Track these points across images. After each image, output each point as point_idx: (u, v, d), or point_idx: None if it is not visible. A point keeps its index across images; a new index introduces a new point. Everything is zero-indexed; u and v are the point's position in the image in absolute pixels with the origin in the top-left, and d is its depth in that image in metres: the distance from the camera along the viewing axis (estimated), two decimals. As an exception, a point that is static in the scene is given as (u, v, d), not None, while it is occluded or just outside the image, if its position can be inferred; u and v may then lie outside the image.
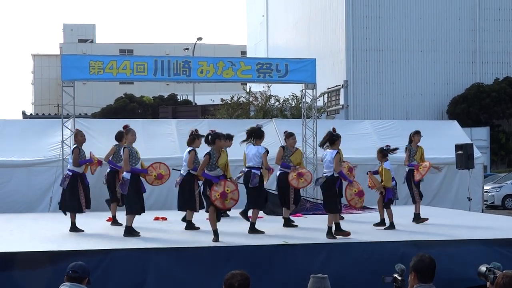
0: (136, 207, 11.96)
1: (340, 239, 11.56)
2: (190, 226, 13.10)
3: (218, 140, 11.42)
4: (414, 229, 13.25)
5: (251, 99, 35.56)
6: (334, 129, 12.24)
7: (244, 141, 13.18)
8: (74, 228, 12.72)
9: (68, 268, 6.26)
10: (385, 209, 13.32)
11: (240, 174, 13.13)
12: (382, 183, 13.27)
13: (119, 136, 13.88)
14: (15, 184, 18.99)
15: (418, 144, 14.88)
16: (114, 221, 13.92)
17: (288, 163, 13.50)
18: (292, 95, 34.53)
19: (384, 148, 13.66)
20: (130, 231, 11.90)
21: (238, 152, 14.43)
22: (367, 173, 13.71)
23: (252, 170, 12.62)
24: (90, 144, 15.83)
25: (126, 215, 12.05)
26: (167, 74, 18.85)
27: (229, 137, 14.47)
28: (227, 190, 11.17)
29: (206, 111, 39.25)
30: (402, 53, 42.80)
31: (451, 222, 14.72)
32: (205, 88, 59.10)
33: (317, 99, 24.14)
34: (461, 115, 39.40)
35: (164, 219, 15.23)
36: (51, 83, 78.37)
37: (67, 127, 18.89)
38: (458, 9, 43.31)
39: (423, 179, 14.80)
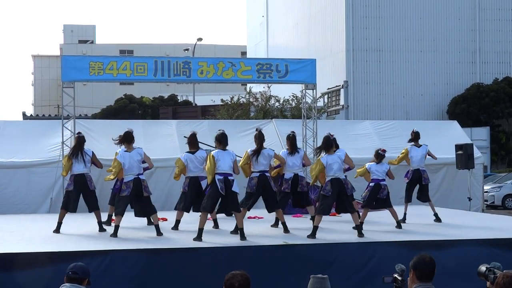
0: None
1: (340, 239, 11.57)
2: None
3: None
4: (414, 230, 13.25)
5: (251, 99, 35.57)
6: (331, 134, 12.51)
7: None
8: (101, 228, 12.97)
9: (68, 269, 6.26)
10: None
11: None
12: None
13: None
14: (15, 185, 18.99)
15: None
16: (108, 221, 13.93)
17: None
18: (292, 96, 34.54)
19: (380, 152, 13.74)
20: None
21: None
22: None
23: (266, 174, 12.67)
24: (91, 145, 15.80)
25: (154, 214, 12.42)
26: (167, 75, 18.84)
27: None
28: None
29: (206, 112, 39.25)
30: (402, 53, 42.82)
31: (451, 222, 14.72)
32: (205, 89, 59.12)
33: (317, 100, 24.15)
34: (461, 115, 39.41)
35: (165, 219, 15.23)
36: (51, 84, 78.40)
37: (67, 128, 18.89)
38: (458, 9, 43.32)
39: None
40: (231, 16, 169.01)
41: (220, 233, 12.68)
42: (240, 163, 12.49)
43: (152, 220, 12.77)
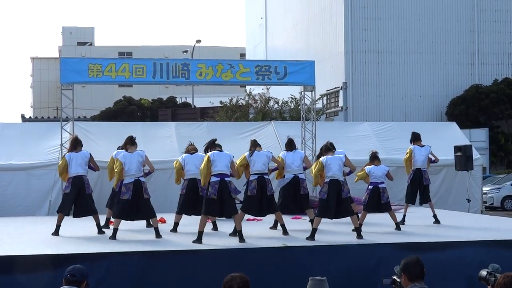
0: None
1: (338, 241, 11.57)
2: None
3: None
4: (413, 231, 13.25)
5: (251, 101, 35.55)
6: (331, 143, 12.80)
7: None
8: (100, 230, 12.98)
9: (66, 272, 6.26)
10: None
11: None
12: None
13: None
14: (14, 188, 18.97)
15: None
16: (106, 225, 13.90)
17: None
18: (291, 97, 34.54)
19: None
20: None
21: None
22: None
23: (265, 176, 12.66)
24: (89, 147, 15.82)
25: (153, 217, 12.44)
26: (166, 77, 18.85)
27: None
28: None
29: (205, 114, 39.23)
30: (400, 55, 42.84)
31: (450, 223, 14.72)
32: (204, 91, 59.10)
33: (316, 101, 24.17)
34: (460, 117, 39.41)
35: (163, 221, 15.22)
36: (50, 86, 78.44)
37: (66, 130, 18.88)
38: (457, 11, 43.34)
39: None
40: (230, 18, 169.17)
41: (219, 235, 12.67)
42: (237, 164, 12.48)
43: (151, 222, 12.75)
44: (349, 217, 12.23)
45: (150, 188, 17.16)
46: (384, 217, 13.84)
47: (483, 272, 5.87)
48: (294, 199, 13.45)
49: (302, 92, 20.62)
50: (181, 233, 12.92)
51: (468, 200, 20.69)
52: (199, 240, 11.30)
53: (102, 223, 13.50)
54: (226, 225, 13.28)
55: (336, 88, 43.33)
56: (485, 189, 28.07)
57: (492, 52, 43.73)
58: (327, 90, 43.35)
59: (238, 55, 70.39)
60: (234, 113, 34.55)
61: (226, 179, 11.72)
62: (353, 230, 12.25)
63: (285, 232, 12.53)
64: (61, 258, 9.85)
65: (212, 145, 12.61)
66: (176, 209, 13.41)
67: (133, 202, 12.19)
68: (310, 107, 20.97)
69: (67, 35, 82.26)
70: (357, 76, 42.39)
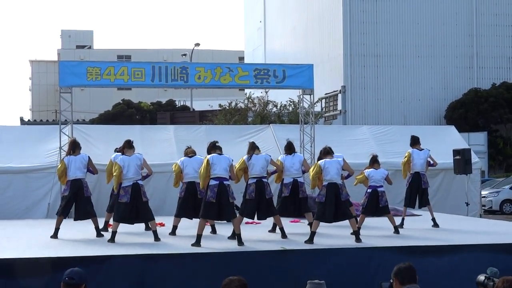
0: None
1: (337, 244, 11.57)
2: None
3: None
4: (412, 235, 13.25)
5: (250, 105, 35.56)
6: (329, 147, 12.81)
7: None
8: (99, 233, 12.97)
9: (64, 275, 6.24)
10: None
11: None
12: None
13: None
14: (13, 191, 18.97)
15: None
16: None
17: None
18: (290, 101, 34.55)
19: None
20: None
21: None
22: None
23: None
24: (88, 150, 15.83)
25: (152, 220, 12.47)
26: (165, 80, 18.86)
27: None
28: None
29: (204, 117, 39.25)
30: (399, 58, 42.86)
31: (449, 227, 14.72)
32: (203, 94, 59.11)
33: (315, 105, 24.17)
34: (459, 120, 39.43)
35: (162, 225, 15.22)
36: (49, 89, 78.40)
37: (65, 133, 18.88)
38: (456, 14, 43.38)
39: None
40: (228, 21, 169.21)
41: (218, 239, 12.67)
42: (236, 168, 12.49)
43: (150, 225, 12.76)
44: (347, 221, 12.23)
45: (149, 191, 17.16)
46: (383, 220, 13.85)
47: (481, 277, 5.89)
48: (293, 202, 13.46)
49: (301, 96, 20.64)
50: (180, 236, 12.93)
51: (467, 204, 20.71)
52: (197, 243, 11.30)
53: (101, 226, 13.51)
54: (225, 228, 13.28)
55: (334, 91, 43.33)
56: (483, 192, 28.08)
57: (491, 56, 43.76)
58: (326, 94, 43.37)
59: (237, 59, 70.36)
60: (233, 116, 34.56)
61: (225, 182, 11.72)
62: (351, 234, 12.26)
63: (283, 235, 12.53)
64: (59, 261, 9.85)
65: (213, 147, 12.61)
66: (175, 212, 13.43)
67: (131, 205, 12.22)
68: (308, 110, 20.97)
69: (66, 38, 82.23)
70: (356, 80, 42.40)
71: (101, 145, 19.16)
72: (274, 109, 35.27)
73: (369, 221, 13.93)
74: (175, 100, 55.96)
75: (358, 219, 13.28)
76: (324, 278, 7.38)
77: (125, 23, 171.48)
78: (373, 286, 9.98)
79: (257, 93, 37.49)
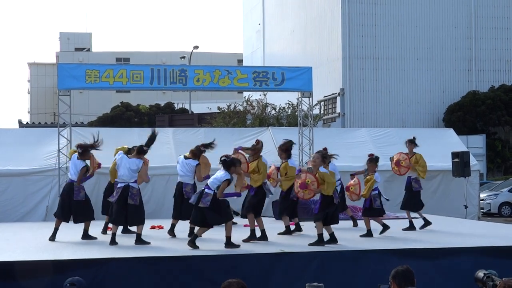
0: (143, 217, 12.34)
1: (334, 246, 11.58)
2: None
3: (234, 167, 11.45)
4: (410, 237, 13.25)
5: (248, 107, 35.54)
6: (325, 148, 13.05)
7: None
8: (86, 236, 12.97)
9: (66, 282, 6.26)
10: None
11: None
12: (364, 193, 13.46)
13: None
14: (11, 193, 18.95)
15: (414, 151, 14.96)
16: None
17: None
18: (289, 103, 34.54)
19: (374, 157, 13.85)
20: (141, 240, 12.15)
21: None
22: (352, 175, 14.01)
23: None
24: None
25: (138, 225, 12.25)
26: (164, 83, 18.88)
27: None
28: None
29: (202, 120, 39.23)
30: (398, 61, 42.88)
31: (447, 229, 14.73)
32: (202, 97, 59.15)
33: (314, 107, 24.18)
34: (457, 123, 39.46)
35: (161, 227, 15.23)
36: (48, 92, 78.43)
37: (63, 136, 18.89)
38: (454, 17, 43.42)
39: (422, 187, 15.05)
40: (227, 24, 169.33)
41: (217, 241, 12.65)
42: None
43: (136, 229, 12.47)
44: (343, 223, 12.26)
45: (147, 194, 17.18)
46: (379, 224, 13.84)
47: (480, 274, 5.86)
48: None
49: (300, 98, 20.64)
50: (179, 239, 12.93)
51: (466, 207, 20.72)
52: (193, 242, 11.33)
53: (100, 229, 13.57)
54: (223, 232, 13.27)
55: (333, 94, 43.34)
56: (482, 195, 28.07)
57: (489, 58, 43.79)
58: (325, 96, 43.38)
59: (236, 61, 70.43)
60: (232, 119, 34.54)
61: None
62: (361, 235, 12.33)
63: (264, 237, 12.59)
64: (58, 264, 9.84)
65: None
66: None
67: (119, 207, 12.10)
68: (307, 113, 20.98)
69: (64, 41, 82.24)
70: (355, 82, 42.42)
71: (100, 148, 19.13)
72: (273, 111, 35.25)
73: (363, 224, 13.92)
74: (173, 103, 55.97)
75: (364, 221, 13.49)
76: (323, 281, 7.38)
77: (123, 26, 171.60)
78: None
79: (256, 95, 37.49)
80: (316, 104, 34.62)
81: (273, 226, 13.90)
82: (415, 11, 42.96)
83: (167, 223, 15.03)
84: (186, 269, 10.23)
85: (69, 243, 12.43)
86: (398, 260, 10.52)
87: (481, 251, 11.31)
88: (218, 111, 36.96)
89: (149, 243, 12.06)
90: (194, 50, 53.97)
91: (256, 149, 13.12)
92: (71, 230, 13.61)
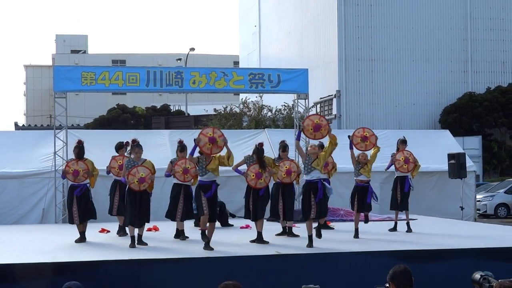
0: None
1: (332, 248, 11.58)
2: (179, 235, 13.39)
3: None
4: (406, 239, 13.26)
5: (245, 109, 35.56)
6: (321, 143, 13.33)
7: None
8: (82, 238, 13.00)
9: (64, 286, 6.26)
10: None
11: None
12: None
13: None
14: (7, 196, 18.90)
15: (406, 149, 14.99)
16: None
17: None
18: (285, 105, 34.55)
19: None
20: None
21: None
22: None
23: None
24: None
25: (144, 224, 12.44)
26: (160, 85, 18.87)
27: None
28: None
29: (199, 122, 39.26)
30: (394, 63, 42.92)
31: (444, 231, 14.74)
32: (198, 99, 59.15)
33: (310, 109, 24.17)
34: (453, 125, 39.49)
35: (156, 229, 15.22)
36: (44, 94, 78.35)
37: (59, 138, 18.86)
38: (450, 19, 43.47)
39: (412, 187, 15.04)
40: (223, 26, 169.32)
41: (214, 243, 12.64)
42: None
43: (139, 230, 12.57)
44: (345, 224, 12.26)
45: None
46: (377, 225, 13.85)
47: (477, 275, 5.85)
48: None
49: (296, 100, 20.65)
50: (178, 240, 12.94)
51: (462, 208, 20.74)
52: (208, 245, 11.37)
53: (96, 230, 13.56)
54: (222, 233, 13.27)
55: (329, 96, 43.37)
56: (478, 196, 28.11)
57: (485, 60, 43.85)
58: (321, 98, 43.40)
59: (232, 63, 70.45)
60: (228, 121, 34.56)
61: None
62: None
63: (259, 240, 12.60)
64: (55, 266, 9.83)
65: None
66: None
67: (133, 208, 12.35)
68: (303, 115, 20.98)
69: (60, 43, 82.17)
70: (351, 84, 42.44)
71: (96, 150, 19.09)
72: (269, 113, 35.27)
73: (362, 225, 13.92)
74: (170, 105, 55.97)
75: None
76: (319, 283, 7.38)
77: (119, 28, 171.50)
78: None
79: (252, 97, 37.50)
80: (312, 106, 34.61)
81: (270, 227, 13.89)
82: (411, 13, 43.01)
83: (162, 225, 15.05)
84: (181, 271, 10.23)
85: (65, 246, 12.40)
86: (395, 262, 10.53)
87: (477, 252, 11.32)
88: (214, 113, 36.99)
89: (146, 244, 12.10)
90: (190, 52, 53.97)
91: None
92: (69, 232, 13.59)
